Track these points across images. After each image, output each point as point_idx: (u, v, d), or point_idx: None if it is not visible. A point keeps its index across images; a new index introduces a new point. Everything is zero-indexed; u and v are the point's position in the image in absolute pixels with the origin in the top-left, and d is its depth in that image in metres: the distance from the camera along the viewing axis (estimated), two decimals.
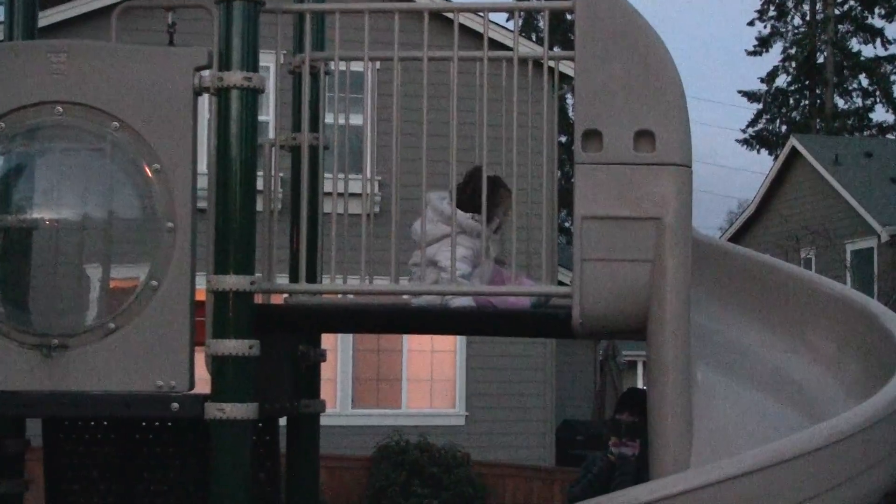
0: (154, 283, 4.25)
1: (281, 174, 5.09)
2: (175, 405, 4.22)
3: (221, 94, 4.30)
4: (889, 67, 45.54)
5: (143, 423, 4.92)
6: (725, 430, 4.11)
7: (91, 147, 4.33)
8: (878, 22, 45.59)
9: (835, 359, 4.62)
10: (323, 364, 5.37)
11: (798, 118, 46.21)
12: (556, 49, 5.58)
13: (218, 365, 4.21)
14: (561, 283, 4.92)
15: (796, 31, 46.68)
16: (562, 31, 38.41)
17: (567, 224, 37.34)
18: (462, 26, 4.61)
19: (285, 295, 4.95)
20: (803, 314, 4.76)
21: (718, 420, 4.12)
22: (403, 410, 16.97)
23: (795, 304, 4.79)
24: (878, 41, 45.54)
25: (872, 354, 4.45)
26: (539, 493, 16.30)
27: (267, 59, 5.21)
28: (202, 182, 4.35)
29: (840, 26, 45.72)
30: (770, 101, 46.80)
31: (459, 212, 4.67)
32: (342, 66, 4.81)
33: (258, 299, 4.45)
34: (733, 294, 4.93)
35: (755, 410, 4.29)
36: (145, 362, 4.23)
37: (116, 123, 4.29)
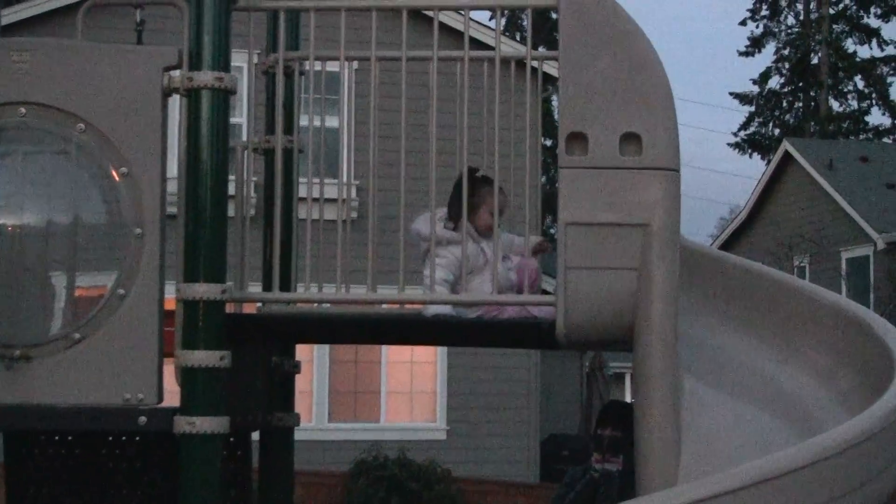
0: (121, 291, 4.24)
1: (254, 178, 5.09)
2: (143, 419, 4.21)
3: (192, 94, 4.29)
4: (885, 69, 45.76)
5: (110, 438, 4.90)
6: (715, 444, 4.12)
7: (56, 150, 4.32)
8: (873, 22, 45.82)
9: (828, 370, 4.63)
10: (298, 376, 5.36)
11: (791, 121, 46.39)
12: (540, 49, 5.59)
13: (187, 377, 4.21)
14: (545, 292, 4.92)
15: (790, 30, 46.89)
16: (547, 31, 38.49)
17: (552, 230, 37.38)
18: (442, 25, 4.62)
19: (258, 304, 4.95)
20: (796, 324, 4.77)
21: (707, 434, 4.13)
22: (382, 424, 16.96)
23: (788, 313, 4.81)
24: (875, 41, 45.76)
25: (867, 366, 4.47)
26: None
27: (239, 59, 5.22)
28: (171, 186, 4.35)
29: (835, 26, 45.93)
30: (762, 103, 46.96)
31: (437, 226, 4.71)
32: (317, 66, 4.81)
33: (230, 308, 4.45)
34: (723, 303, 4.94)
35: (746, 423, 4.30)
36: (112, 374, 4.22)
37: (82, 125, 4.28)
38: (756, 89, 46.98)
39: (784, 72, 46.66)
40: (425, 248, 4.69)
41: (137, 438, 4.89)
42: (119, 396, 4.22)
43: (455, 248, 4.58)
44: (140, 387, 4.22)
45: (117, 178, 4.27)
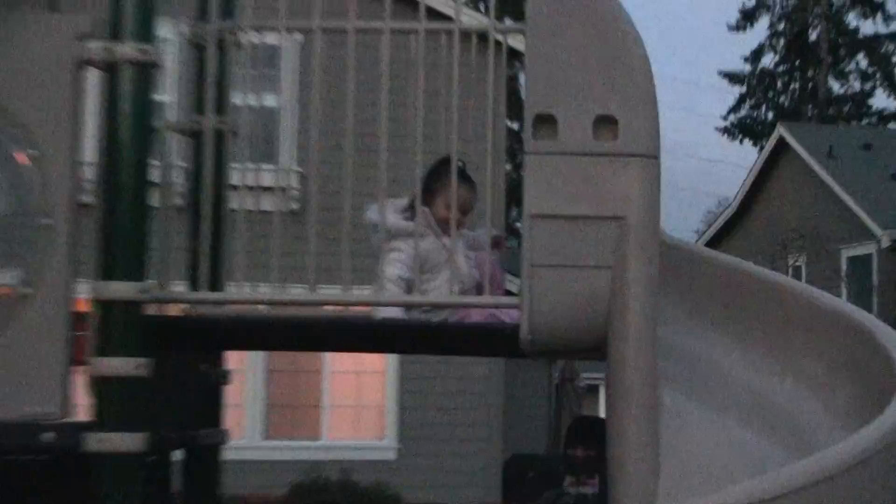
0: (27, 290, 4.21)
1: (181, 164, 5.07)
2: (48, 435, 4.19)
3: (111, 68, 4.27)
4: (891, 46, 46.17)
5: (12, 457, 4.87)
6: (698, 464, 4.14)
7: None
8: None
9: (825, 382, 4.67)
10: (228, 387, 5.35)
11: (787, 104, 46.76)
12: (505, 21, 5.61)
13: (100, 388, 4.19)
14: (508, 293, 4.93)
15: (785, 3, 47.22)
16: (512, 0, 38.60)
17: (517, 224, 37.45)
18: None
19: (184, 305, 4.93)
20: (790, 330, 4.80)
21: (690, 453, 4.15)
22: (323, 442, 16.94)
23: (781, 319, 4.83)
24: (879, 15, 46.15)
25: (868, 377, 4.50)
26: None
27: (166, 29, 5.19)
28: (87, 172, 4.32)
29: None
30: (755, 83, 47.32)
31: (393, 216, 4.73)
32: (255, 37, 4.80)
33: (151, 310, 4.43)
34: (709, 307, 4.97)
35: (733, 441, 4.33)
36: (13, 384, 4.19)
37: None
38: (748, 68, 47.35)
39: (779, 49, 47.01)
40: (380, 240, 4.70)
41: (43, 458, 4.86)
42: (20, 410, 4.19)
43: (421, 240, 4.60)
44: (45, 399, 4.19)
45: (24, 162, 4.24)
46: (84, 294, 4.26)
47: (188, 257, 5.01)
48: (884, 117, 45.95)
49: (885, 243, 25.89)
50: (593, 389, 31.90)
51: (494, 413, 17.57)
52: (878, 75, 46.21)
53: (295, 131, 15.09)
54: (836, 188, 27.38)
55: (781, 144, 29.88)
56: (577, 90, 4.18)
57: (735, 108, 47.76)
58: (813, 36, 46.20)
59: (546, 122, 4.19)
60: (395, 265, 4.71)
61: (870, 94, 46.49)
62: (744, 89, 47.50)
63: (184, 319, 4.93)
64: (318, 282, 4.46)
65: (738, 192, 31.90)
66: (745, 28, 47.33)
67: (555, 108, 4.18)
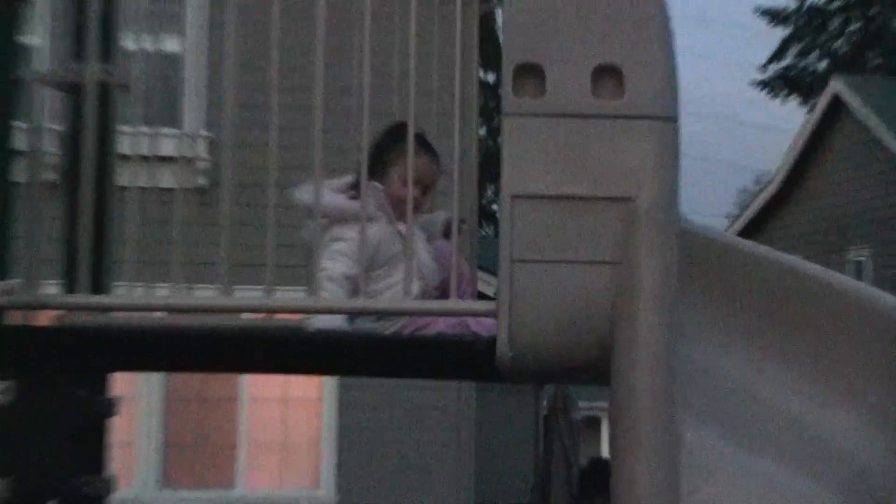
0: None
1: (55, 126, 5.06)
2: None
3: None
4: None
5: None
6: None
7: None
8: None
9: (891, 412, 4.70)
10: (115, 420, 5.35)
11: (843, 51, 46.85)
12: None
13: None
14: (482, 296, 4.96)
15: None
16: None
17: (493, 206, 37.51)
18: None
19: (57, 312, 4.93)
20: (846, 345, 4.83)
21: (718, 500, 4.18)
22: (239, 492, 16.93)
23: (834, 329, 4.86)
24: None
25: None
26: None
27: None
28: None
29: None
30: (802, 24, 47.40)
31: (332, 195, 4.74)
32: None
33: (13, 319, 4.43)
34: (741, 314, 4.99)
35: (770, 486, 4.36)
36: None
37: None
38: (793, 4, 47.41)
39: None
40: (315, 226, 4.71)
41: None
42: None
43: (371, 225, 4.62)
44: None
45: None
46: None
47: (63, 249, 5.01)
48: None
49: None
50: (594, 422, 31.95)
51: (464, 453, 17.58)
52: None
53: (204, 85, 15.06)
54: None
55: (837, 103, 29.92)
56: (571, 33, 4.20)
57: (777, 56, 47.87)
58: None
59: (530, 73, 4.20)
60: (338, 259, 4.72)
61: None
62: (788, 31, 47.62)
63: (57, 331, 4.92)
64: (233, 282, 4.47)
65: (781, 166, 31.97)
66: None
67: (541, 57, 4.19)
